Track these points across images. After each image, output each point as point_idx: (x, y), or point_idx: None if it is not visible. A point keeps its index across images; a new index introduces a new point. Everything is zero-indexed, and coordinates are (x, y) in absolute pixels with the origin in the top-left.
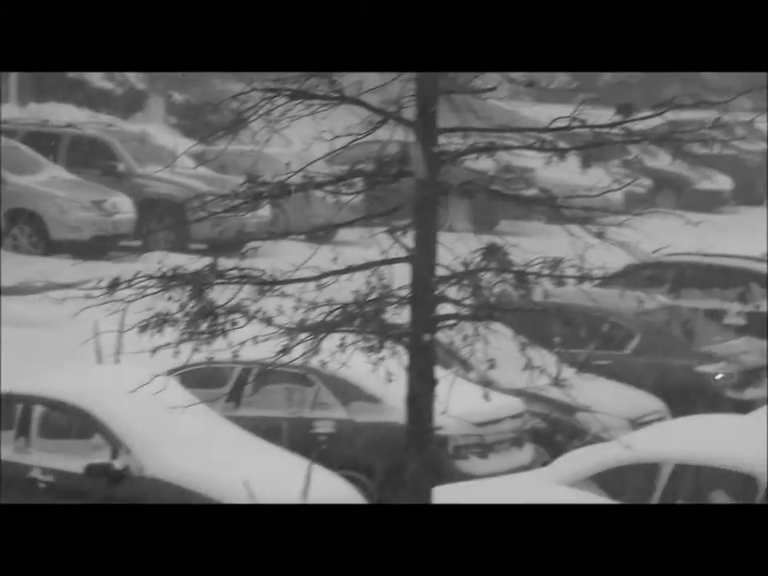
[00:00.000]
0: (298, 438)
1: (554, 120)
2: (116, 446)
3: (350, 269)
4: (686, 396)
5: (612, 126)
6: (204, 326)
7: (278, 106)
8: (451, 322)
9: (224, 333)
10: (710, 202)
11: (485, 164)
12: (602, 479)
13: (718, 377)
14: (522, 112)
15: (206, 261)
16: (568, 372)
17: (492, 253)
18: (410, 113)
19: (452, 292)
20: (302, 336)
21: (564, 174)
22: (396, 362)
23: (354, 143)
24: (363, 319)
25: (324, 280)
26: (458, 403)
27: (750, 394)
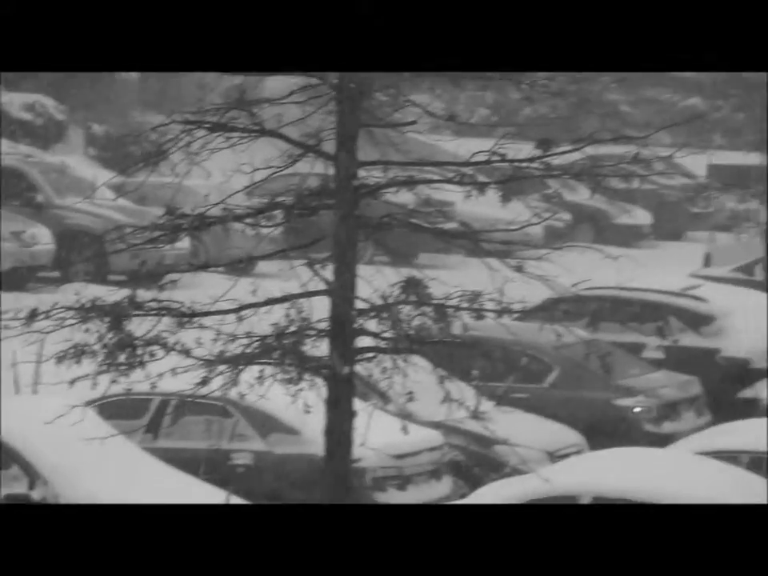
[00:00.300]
0: (217, 470)
1: (474, 154)
2: (33, 476)
3: (269, 301)
4: (604, 429)
5: (531, 160)
6: (122, 358)
7: (198, 138)
8: (370, 354)
9: (142, 364)
10: (629, 237)
11: (404, 197)
12: None
13: (636, 410)
14: (442, 146)
15: (125, 292)
16: (486, 405)
17: (411, 286)
18: (329, 146)
19: (371, 325)
20: (221, 368)
21: (484, 207)
22: (315, 394)
23: (274, 176)
24: (282, 351)
25: (243, 312)
26: (376, 435)
27: (668, 427)
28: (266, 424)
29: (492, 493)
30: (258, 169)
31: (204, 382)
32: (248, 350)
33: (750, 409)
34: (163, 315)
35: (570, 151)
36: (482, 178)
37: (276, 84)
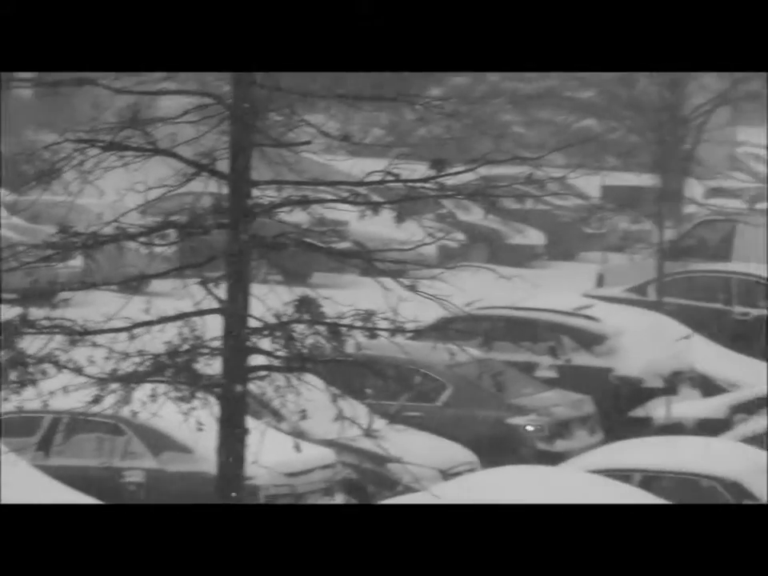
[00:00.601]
0: (109, 488)
1: (368, 174)
2: None
3: (163, 319)
4: (497, 448)
5: (425, 180)
6: (14, 376)
7: (91, 156)
8: (263, 373)
9: (34, 382)
10: (523, 257)
11: (298, 217)
12: None
13: (529, 429)
14: (337, 166)
15: (17, 310)
16: (379, 423)
17: (304, 305)
18: (223, 165)
19: (264, 343)
20: (113, 386)
21: (378, 227)
22: (207, 413)
23: (168, 195)
24: (175, 370)
25: (136, 330)
26: (269, 453)
27: (561, 446)
28: (158, 442)
29: None
30: (151, 188)
31: (96, 399)
32: (140, 368)
33: (642, 428)
34: (55, 333)
35: (463, 172)
36: (375, 198)
37: (170, 103)
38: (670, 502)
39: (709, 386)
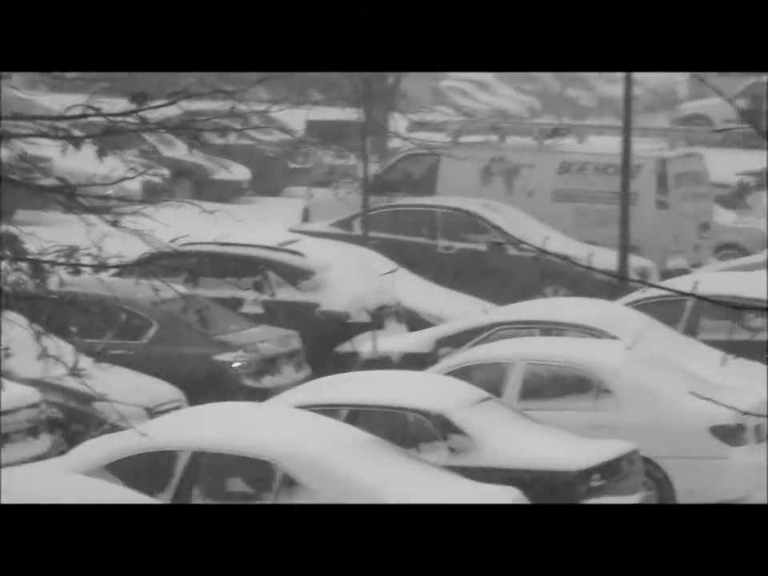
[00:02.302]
0: None
1: (68, 108)
2: None
3: None
4: (204, 384)
5: (126, 114)
6: None
7: None
8: None
9: None
10: (228, 192)
11: None
12: (118, 468)
13: (236, 365)
14: (37, 100)
15: None
16: (85, 362)
17: (6, 241)
18: None
19: None
20: None
21: (80, 162)
22: None
23: None
24: None
25: None
26: None
27: (268, 382)
28: None
29: (90, 449)
30: None
31: None
32: None
33: (349, 362)
34: None
35: (164, 105)
36: (77, 133)
37: None
38: (383, 438)
39: (414, 320)
